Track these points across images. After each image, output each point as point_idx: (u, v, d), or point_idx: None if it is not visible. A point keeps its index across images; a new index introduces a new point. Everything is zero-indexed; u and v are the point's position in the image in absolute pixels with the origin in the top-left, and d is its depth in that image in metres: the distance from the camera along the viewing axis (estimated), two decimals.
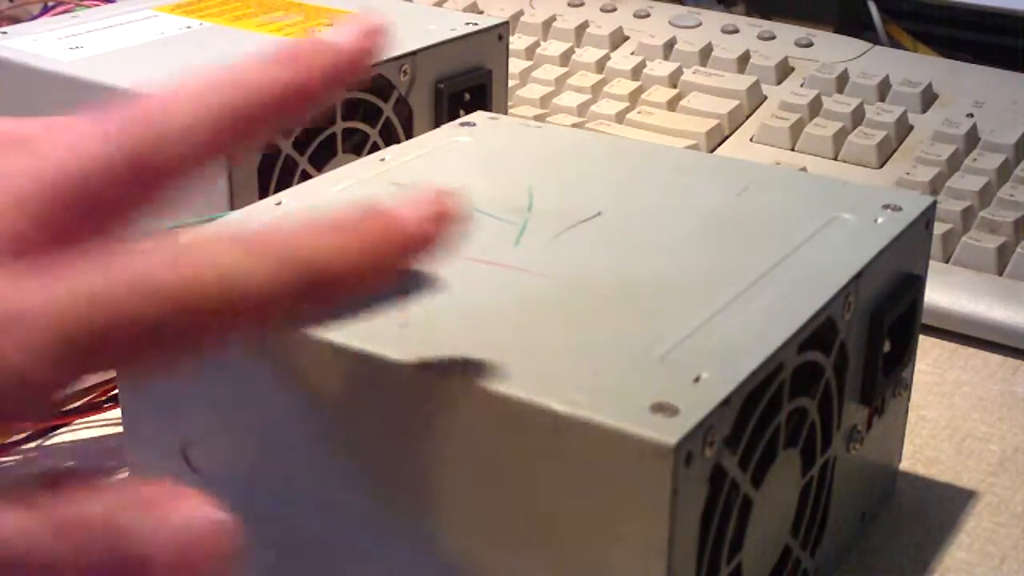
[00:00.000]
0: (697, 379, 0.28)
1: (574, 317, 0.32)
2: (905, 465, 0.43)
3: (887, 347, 0.37)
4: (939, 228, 0.54)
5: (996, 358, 0.51)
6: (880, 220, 0.37)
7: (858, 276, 0.34)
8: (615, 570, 0.28)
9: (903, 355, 0.39)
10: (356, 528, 0.32)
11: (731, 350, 0.30)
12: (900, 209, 0.38)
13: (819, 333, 0.33)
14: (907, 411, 0.42)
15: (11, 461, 0.43)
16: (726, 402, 0.28)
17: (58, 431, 0.44)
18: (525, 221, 0.37)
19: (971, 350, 0.51)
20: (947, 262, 0.54)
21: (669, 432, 0.27)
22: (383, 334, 0.31)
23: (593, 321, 0.31)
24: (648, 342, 0.30)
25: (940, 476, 0.43)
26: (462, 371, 0.29)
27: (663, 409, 0.27)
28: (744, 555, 0.31)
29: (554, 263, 0.34)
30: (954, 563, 0.39)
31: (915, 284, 0.38)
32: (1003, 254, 0.53)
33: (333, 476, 0.32)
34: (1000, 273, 0.53)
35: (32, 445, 0.43)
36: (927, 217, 0.39)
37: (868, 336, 0.36)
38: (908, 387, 0.41)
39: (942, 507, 0.42)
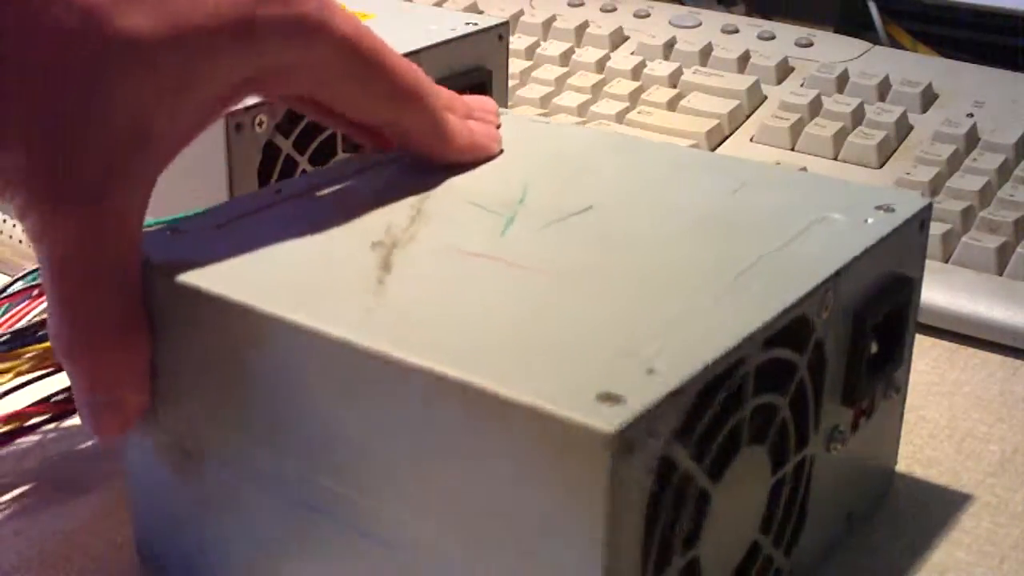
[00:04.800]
0: (651, 370, 0.28)
1: (545, 307, 0.32)
2: (904, 466, 0.43)
3: (875, 348, 0.37)
4: (939, 228, 0.54)
5: (996, 358, 0.51)
6: (870, 220, 0.37)
7: (836, 275, 0.34)
8: (557, 561, 0.28)
9: (893, 357, 0.39)
10: (325, 516, 0.32)
11: (690, 343, 0.30)
12: (893, 210, 0.38)
13: (791, 330, 0.32)
14: (902, 413, 0.42)
15: (7, 456, 0.43)
16: (676, 393, 0.28)
17: (60, 421, 0.44)
18: (513, 213, 0.37)
19: (971, 350, 0.51)
20: (947, 262, 0.54)
21: (609, 420, 0.26)
22: (349, 318, 0.31)
23: (564, 312, 0.31)
24: (614, 334, 0.30)
25: (939, 477, 0.43)
26: (428, 358, 0.29)
27: (609, 398, 0.27)
28: (702, 549, 0.31)
29: (535, 254, 0.34)
30: (954, 563, 0.39)
31: (905, 285, 0.38)
32: (1003, 254, 0.53)
33: (315, 465, 0.32)
34: (1000, 273, 0.53)
35: (31, 440, 0.43)
36: (921, 218, 0.39)
37: (851, 336, 0.36)
38: (901, 389, 0.40)
39: (941, 508, 0.41)
